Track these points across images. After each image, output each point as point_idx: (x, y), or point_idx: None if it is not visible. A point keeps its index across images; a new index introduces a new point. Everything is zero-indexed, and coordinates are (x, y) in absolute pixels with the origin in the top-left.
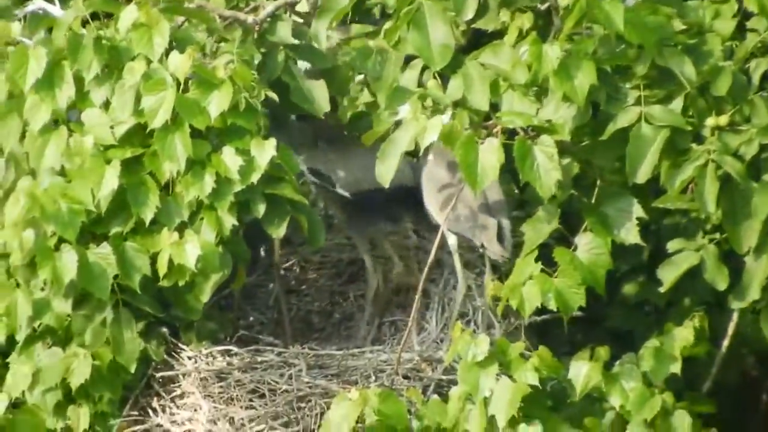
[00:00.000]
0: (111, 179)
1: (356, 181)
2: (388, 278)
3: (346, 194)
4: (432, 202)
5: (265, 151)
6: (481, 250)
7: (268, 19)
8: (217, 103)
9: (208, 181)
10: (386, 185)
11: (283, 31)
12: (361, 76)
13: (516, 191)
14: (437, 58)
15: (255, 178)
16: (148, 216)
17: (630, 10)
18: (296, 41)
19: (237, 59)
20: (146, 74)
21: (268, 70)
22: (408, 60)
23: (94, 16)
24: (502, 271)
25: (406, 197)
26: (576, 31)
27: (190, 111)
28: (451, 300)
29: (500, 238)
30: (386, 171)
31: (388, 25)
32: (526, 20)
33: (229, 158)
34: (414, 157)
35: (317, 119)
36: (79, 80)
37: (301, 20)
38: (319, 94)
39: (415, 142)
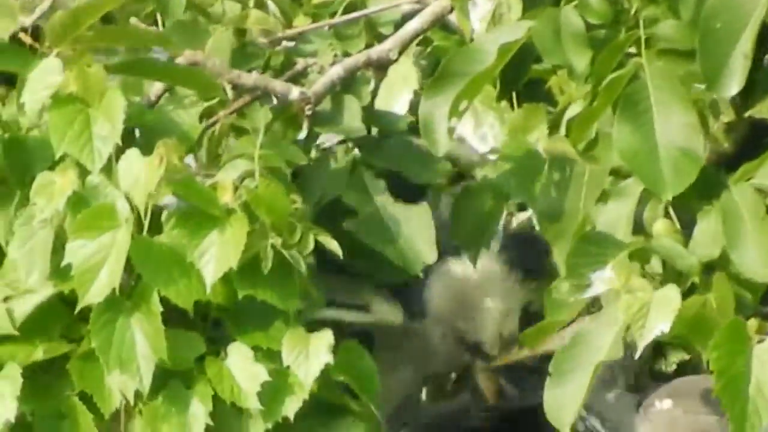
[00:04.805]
0: (3, 404)
1: None
2: None
3: None
4: None
5: (313, 356)
6: None
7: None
8: (218, 258)
9: (198, 413)
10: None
11: (354, 115)
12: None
13: None
14: (669, 175)
15: (292, 407)
16: None
17: None
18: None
19: (261, 169)
20: (77, 198)
21: (320, 189)
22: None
23: None
24: None
25: None
26: None
27: (162, 271)
28: None
29: None
30: (565, 414)
31: (573, 110)
32: None
33: (241, 368)
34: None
35: None
36: None
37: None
38: (419, 233)
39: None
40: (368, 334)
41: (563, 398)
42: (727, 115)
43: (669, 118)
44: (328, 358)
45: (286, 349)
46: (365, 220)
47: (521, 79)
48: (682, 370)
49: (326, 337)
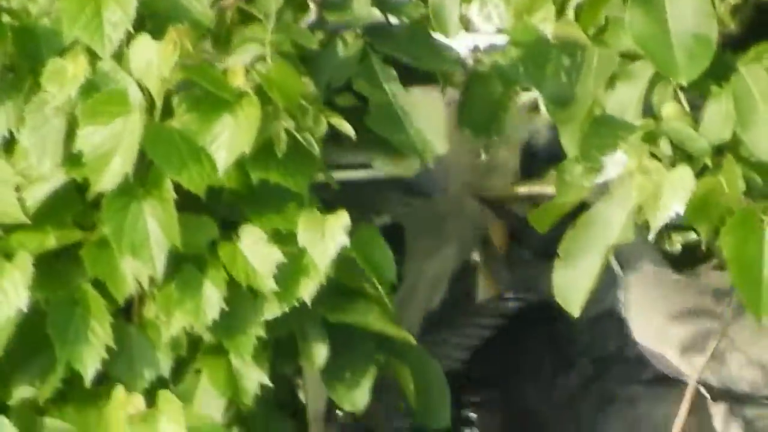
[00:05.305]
0: (15, 293)
1: None
2: None
3: None
4: (661, 337)
5: (329, 238)
6: None
7: None
8: (231, 142)
9: (212, 297)
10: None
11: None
12: (529, 96)
13: None
14: (682, 60)
15: (308, 291)
16: (89, 367)
17: None
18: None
19: (272, 53)
20: (89, 84)
21: (329, 74)
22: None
23: None
24: None
25: None
26: None
27: (174, 157)
28: None
29: None
30: (575, 296)
31: None
32: None
33: (254, 249)
34: None
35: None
36: None
37: None
38: (430, 120)
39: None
40: (397, 227)
41: (573, 280)
42: None
43: (681, 2)
44: (344, 240)
45: (302, 231)
46: (376, 108)
47: None
48: (690, 251)
49: (342, 218)
